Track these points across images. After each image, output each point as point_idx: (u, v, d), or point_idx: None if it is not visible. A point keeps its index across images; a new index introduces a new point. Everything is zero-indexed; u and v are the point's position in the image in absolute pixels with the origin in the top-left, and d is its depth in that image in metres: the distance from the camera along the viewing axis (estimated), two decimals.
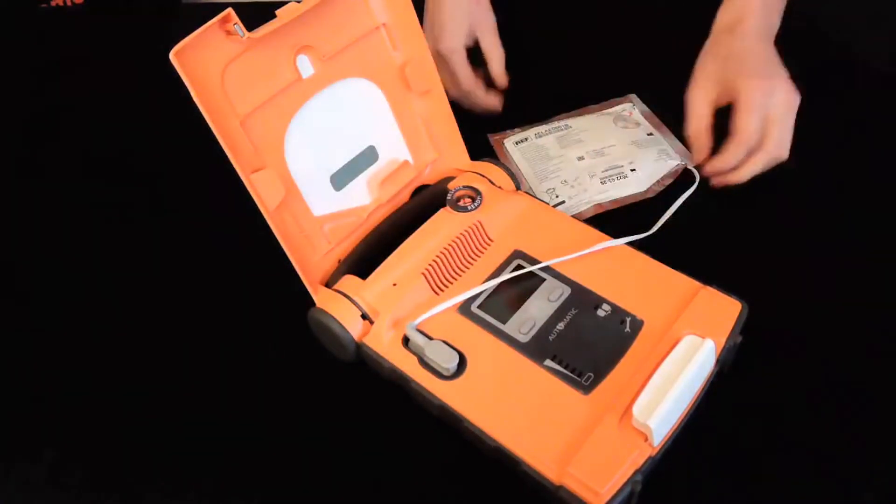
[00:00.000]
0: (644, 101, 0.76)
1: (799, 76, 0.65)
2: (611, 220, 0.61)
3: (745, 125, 0.63)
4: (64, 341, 0.62)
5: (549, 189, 0.68)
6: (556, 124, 0.73)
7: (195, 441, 0.55)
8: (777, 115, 0.63)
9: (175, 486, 0.53)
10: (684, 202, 0.65)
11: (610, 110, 0.75)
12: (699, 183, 0.67)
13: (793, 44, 0.67)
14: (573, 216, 0.64)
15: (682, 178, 0.69)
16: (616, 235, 0.59)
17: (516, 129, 0.73)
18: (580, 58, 0.82)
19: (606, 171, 0.68)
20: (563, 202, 0.67)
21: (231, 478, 0.53)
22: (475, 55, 0.72)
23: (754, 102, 0.63)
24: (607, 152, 0.70)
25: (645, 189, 0.68)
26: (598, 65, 0.81)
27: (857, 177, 0.69)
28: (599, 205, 0.67)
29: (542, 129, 0.73)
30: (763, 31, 0.66)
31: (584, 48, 0.83)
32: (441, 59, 0.70)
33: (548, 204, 0.64)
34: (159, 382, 0.58)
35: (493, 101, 0.72)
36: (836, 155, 0.71)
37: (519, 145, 0.72)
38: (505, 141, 0.73)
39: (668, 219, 0.63)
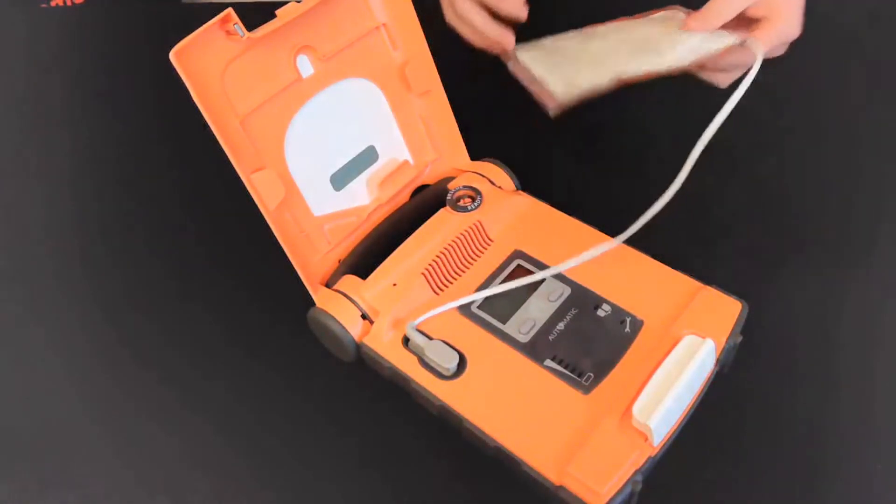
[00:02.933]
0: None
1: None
2: (610, 217, 0.61)
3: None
4: (62, 342, 0.62)
5: (565, 80, 0.58)
6: (579, 31, 0.61)
7: (195, 441, 0.55)
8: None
9: (173, 486, 0.53)
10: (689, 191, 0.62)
11: (649, 18, 0.62)
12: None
13: None
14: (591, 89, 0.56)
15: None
16: (615, 231, 0.59)
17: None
18: None
19: (637, 47, 0.58)
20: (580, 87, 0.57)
21: (230, 478, 0.53)
22: None
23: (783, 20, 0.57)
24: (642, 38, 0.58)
25: (686, 63, 0.57)
26: None
27: (857, 176, 0.69)
28: (620, 79, 0.57)
29: (561, 36, 0.61)
30: None
31: None
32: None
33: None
34: (159, 382, 0.58)
35: (508, 37, 0.59)
36: (836, 153, 0.71)
37: (531, 53, 0.60)
38: (517, 52, 0.60)
39: (669, 218, 0.63)
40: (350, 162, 0.61)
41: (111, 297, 0.64)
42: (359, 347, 0.56)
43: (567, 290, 0.56)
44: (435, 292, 0.57)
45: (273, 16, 0.52)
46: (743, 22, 0.59)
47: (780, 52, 0.60)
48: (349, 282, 0.57)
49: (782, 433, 0.54)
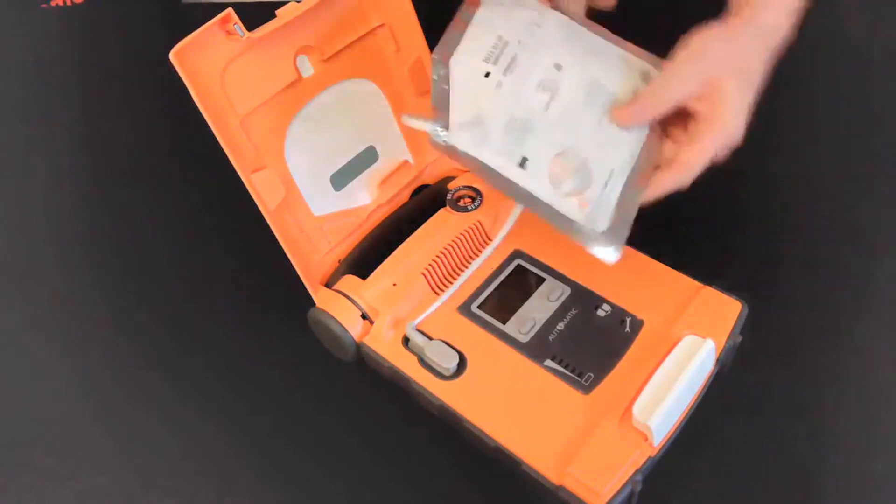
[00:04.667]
0: None
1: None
2: None
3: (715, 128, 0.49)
4: (62, 342, 0.62)
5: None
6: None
7: (195, 441, 0.55)
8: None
9: (173, 486, 0.53)
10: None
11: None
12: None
13: None
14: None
15: None
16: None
17: None
18: None
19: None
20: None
21: (230, 478, 0.53)
22: None
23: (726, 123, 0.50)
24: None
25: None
26: None
27: (857, 176, 0.69)
28: None
29: None
30: (774, 34, 0.51)
31: None
32: None
33: None
34: (160, 383, 0.58)
35: None
36: (836, 154, 0.71)
37: None
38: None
39: (669, 219, 0.62)
40: (350, 162, 0.60)
41: (112, 297, 0.64)
42: (359, 347, 0.56)
43: (567, 290, 0.56)
44: (435, 292, 0.57)
45: (273, 16, 0.52)
46: (679, 119, 0.51)
47: (714, 155, 0.51)
48: (349, 282, 0.57)
49: (782, 433, 0.54)
